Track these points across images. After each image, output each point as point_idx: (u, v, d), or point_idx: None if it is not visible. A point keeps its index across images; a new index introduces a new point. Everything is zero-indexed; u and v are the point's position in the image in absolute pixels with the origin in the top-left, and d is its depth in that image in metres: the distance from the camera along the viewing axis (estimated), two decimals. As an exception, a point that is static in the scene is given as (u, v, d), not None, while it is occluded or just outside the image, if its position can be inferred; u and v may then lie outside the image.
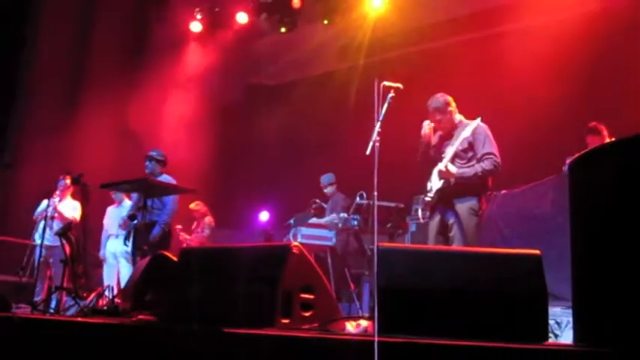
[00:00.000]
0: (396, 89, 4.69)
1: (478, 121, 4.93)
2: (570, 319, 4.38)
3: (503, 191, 6.87)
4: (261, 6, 9.83)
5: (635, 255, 2.22)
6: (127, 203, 8.04)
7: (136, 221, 5.65)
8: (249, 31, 10.26)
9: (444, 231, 4.98)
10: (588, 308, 2.52)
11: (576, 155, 2.68)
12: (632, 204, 2.25)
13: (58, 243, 7.31)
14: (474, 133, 4.93)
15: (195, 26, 10.30)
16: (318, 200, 7.83)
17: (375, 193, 3.80)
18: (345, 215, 7.11)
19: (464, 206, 4.89)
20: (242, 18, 9.98)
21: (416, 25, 9.08)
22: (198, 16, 10.21)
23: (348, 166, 7.56)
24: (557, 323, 4.56)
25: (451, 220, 4.93)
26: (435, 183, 5.02)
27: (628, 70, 7.18)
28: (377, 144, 4.22)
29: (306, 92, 10.35)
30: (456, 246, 4.77)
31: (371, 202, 4.55)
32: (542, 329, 2.72)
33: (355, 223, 7.04)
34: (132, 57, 10.35)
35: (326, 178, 8.03)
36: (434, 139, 5.23)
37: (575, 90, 7.47)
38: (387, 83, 4.60)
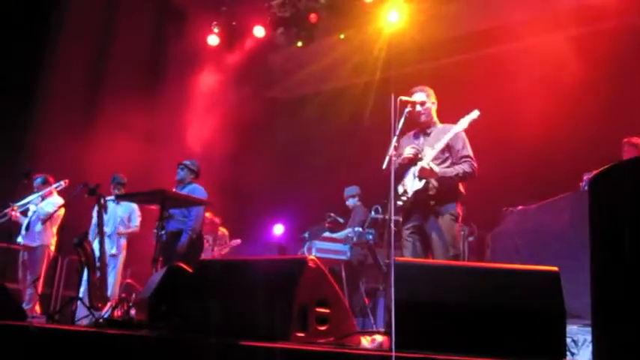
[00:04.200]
0: (413, 104, 4.71)
1: (476, 112, 4.70)
2: (588, 338, 4.34)
3: (520, 207, 6.81)
4: (278, 20, 9.89)
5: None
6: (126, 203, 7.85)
7: (163, 232, 5.58)
8: (265, 44, 10.34)
9: (423, 239, 4.68)
10: (608, 327, 2.49)
11: (596, 171, 2.65)
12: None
13: (37, 243, 7.43)
14: (455, 135, 4.71)
15: (213, 40, 10.39)
16: (332, 214, 7.80)
17: (392, 207, 3.81)
18: (360, 229, 7.09)
19: (446, 212, 4.66)
20: (259, 32, 10.05)
21: (432, 41, 9.08)
22: (216, 30, 10.30)
23: (364, 180, 7.57)
24: (574, 341, 4.50)
25: (431, 230, 4.64)
26: (410, 185, 4.71)
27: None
28: (393, 158, 4.23)
29: (322, 106, 10.39)
30: (437, 256, 4.53)
31: (386, 217, 4.52)
32: (559, 347, 2.70)
33: (370, 237, 7.01)
34: (150, 70, 10.46)
35: (349, 190, 7.91)
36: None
37: (591, 107, 7.42)
38: (403, 98, 4.61)
